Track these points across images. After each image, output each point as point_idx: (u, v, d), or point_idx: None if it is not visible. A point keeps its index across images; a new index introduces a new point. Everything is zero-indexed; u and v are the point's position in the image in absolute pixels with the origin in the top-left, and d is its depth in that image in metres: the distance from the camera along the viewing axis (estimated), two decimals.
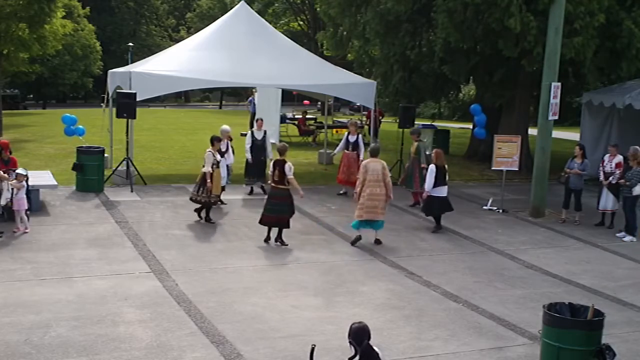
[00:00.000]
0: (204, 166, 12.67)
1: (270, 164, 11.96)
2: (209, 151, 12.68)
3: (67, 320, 8.15)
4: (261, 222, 11.84)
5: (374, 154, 12.13)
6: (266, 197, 12.33)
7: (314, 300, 9.33)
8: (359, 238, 12.01)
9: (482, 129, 17.11)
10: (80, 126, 16.80)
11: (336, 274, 10.47)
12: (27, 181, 12.12)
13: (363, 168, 12.00)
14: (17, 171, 11.86)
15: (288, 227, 11.76)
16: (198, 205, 12.90)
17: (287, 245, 11.67)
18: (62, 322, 8.09)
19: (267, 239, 11.80)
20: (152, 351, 7.48)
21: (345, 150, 16.06)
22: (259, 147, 15.30)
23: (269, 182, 12.05)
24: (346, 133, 16.55)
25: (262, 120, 15.80)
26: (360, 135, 16.36)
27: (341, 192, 16.10)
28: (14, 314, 8.26)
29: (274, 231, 11.79)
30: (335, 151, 16.80)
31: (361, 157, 15.65)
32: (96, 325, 8.06)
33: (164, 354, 7.43)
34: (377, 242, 12.11)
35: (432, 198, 13.06)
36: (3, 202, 11.52)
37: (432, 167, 12.98)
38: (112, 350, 7.45)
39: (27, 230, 11.62)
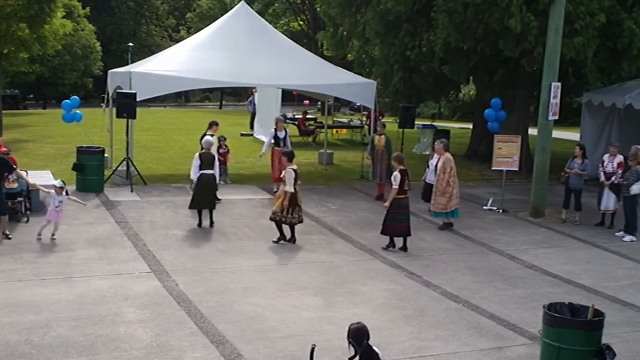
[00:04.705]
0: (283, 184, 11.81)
1: (399, 174, 11.55)
2: (290, 169, 11.74)
3: (67, 320, 8.15)
4: (387, 233, 11.85)
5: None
6: (392, 209, 11.67)
7: (314, 300, 9.33)
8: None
9: (496, 123, 16.84)
10: (78, 111, 16.72)
11: (336, 274, 10.47)
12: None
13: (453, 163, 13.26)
14: (54, 184, 11.66)
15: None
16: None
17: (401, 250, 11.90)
18: (62, 322, 8.09)
19: (391, 246, 11.89)
20: (152, 351, 7.48)
21: (276, 148, 15.35)
22: None
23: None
24: (273, 129, 15.68)
25: (217, 124, 14.68)
26: (287, 131, 15.43)
27: (275, 190, 15.10)
28: (14, 314, 8.26)
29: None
30: (263, 150, 15.60)
31: None
32: (96, 325, 8.06)
33: (164, 354, 7.43)
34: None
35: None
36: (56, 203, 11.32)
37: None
38: (112, 350, 7.45)
39: (39, 237, 11.38)
